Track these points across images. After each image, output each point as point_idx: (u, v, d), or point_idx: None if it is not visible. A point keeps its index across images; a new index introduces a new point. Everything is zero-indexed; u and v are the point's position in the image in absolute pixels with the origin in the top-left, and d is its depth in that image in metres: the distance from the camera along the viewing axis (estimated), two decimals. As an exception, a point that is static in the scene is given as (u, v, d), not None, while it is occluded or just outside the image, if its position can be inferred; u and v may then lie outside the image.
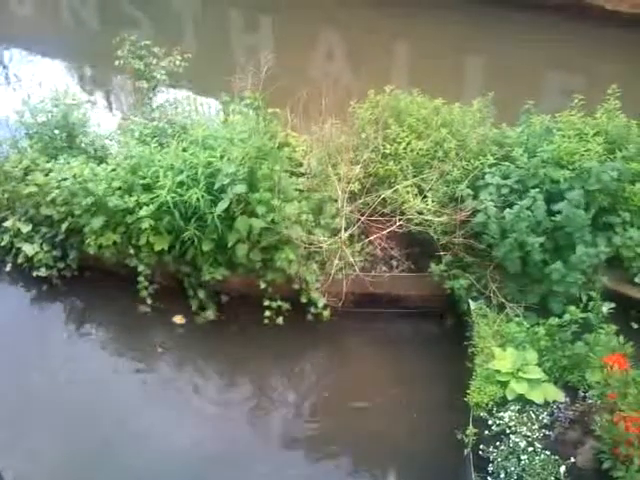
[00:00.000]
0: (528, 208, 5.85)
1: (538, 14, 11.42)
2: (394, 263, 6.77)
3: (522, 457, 4.78)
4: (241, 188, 6.20)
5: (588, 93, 6.70)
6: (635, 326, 6.28)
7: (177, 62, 7.68)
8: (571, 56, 10.56)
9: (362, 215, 6.64)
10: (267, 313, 6.54)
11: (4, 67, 11.80)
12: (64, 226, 6.86)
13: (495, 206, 6.04)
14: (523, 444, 4.86)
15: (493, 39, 11.13)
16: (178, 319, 6.78)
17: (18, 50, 12.28)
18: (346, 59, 11.28)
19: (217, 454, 5.68)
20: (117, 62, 7.70)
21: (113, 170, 6.77)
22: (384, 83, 7.14)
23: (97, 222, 6.58)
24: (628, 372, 4.82)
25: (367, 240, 6.71)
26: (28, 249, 7.00)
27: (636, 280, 6.34)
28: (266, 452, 5.74)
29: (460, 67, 10.66)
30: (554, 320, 5.38)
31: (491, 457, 4.85)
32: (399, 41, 11.43)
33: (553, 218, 5.88)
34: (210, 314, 6.69)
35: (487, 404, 5.20)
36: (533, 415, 5.08)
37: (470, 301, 6.21)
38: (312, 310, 6.53)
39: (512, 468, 4.73)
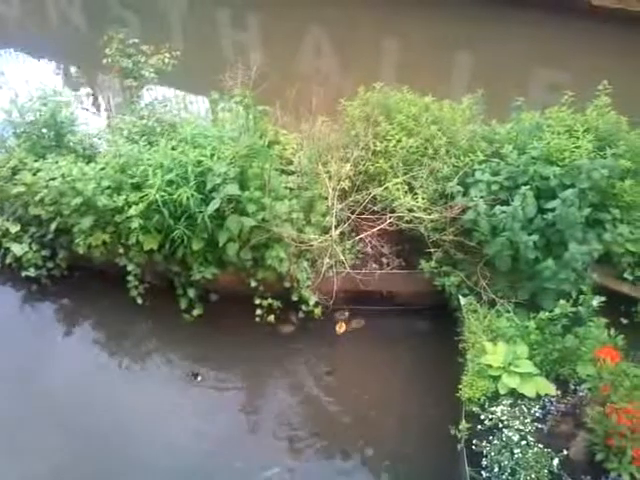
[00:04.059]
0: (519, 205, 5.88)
1: (525, 10, 11.50)
2: (385, 260, 6.77)
3: (515, 451, 4.78)
4: (233, 189, 6.18)
5: (576, 89, 6.74)
6: (624, 321, 6.31)
7: (166, 60, 7.67)
8: (559, 52, 10.63)
9: (352, 213, 6.64)
10: (258, 312, 6.54)
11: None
12: (53, 226, 6.82)
13: (485, 203, 6.06)
14: (516, 438, 4.86)
15: (481, 36, 11.19)
16: (340, 327, 6.70)
17: (5, 49, 12.20)
18: (335, 57, 11.30)
19: (211, 448, 5.70)
20: (105, 60, 7.67)
21: (102, 169, 6.73)
22: (373, 80, 7.16)
23: (86, 222, 6.55)
24: (620, 364, 4.84)
25: (358, 238, 6.73)
26: (17, 249, 6.96)
27: (625, 276, 6.38)
28: (257, 447, 5.74)
29: (449, 64, 10.70)
30: (544, 314, 5.40)
31: (484, 451, 4.85)
32: (388, 38, 11.45)
33: (545, 216, 5.90)
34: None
35: (479, 399, 5.21)
36: (525, 409, 5.09)
37: (460, 297, 6.22)
38: (303, 308, 6.54)
39: (505, 462, 4.73)
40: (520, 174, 6.17)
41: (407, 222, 6.37)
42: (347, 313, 6.75)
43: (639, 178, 6.33)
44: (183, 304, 6.71)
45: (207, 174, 6.31)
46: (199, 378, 6.28)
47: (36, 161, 7.12)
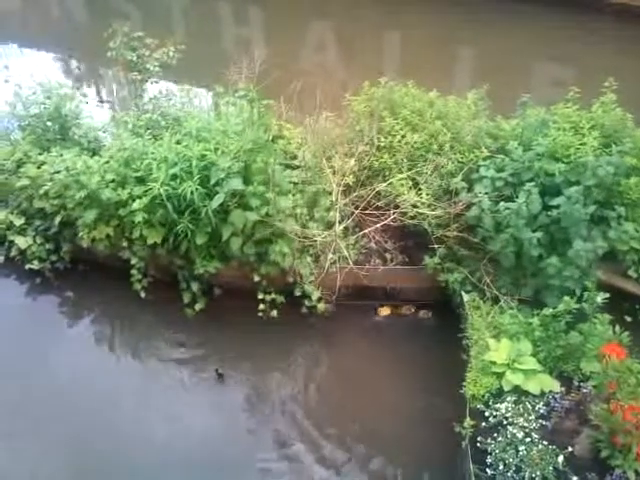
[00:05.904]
0: (524, 202, 5.87)
1: (531, 5, 11.44)
2: (388, 256, 6.76)
3: (520, 448, 4.78)
4: (237, 183, 6.17)
5: (582, 85, 6.72)
6: (628, 319, 6.30)
7: (170, 54, 7.63)
8: (565, 48, 10.56)
9: (356, 208, 6.63)
10: (261, 306, 6.54)
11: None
12: (57, 219, 6.83)
13: (489, 199, 6.05)
14: (520, 435, 4.87)
15: (487, 31, 11.13)
16: (384, 311, 6.79)
17: (8, 43, 12.16)
18: (339, 52, 11.25)
19: (208, 444, 5.70)
20: (109, 54, 7.64)
21: (106, 162, 6.73)
22: (378, 75, 7.14)
23: (90, 215, 6.56)
24: (625, 361, 4.83)
25: (361, 233, 6.71)
26: (21, 242, 6.97)
27: (630, 273, 6.37)
28: (260, 439, 5.75)
29: (454, 59, 10.65)
30: (548, 311, 5.38)
31: (489, 449, 4.85)
32: (392, 33, 11.42)
33: (549, 213, 5.89)
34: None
35: (483, 396, 5.21)
36: (529, 406, 5.09)
37: (463, 293, 6.22)
38: (306, 303, 6.53)
39: (510, 459, 4.74)
40: (525, 170, 6.16)
41: (411, 218, 6.36)
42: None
43: (645, 175, 6.31)
44: (186, 298, 6.71)
45: (211, 168, 6.30)
46: (220, 371, 6.26)
47: (40, 154, 7.11)
